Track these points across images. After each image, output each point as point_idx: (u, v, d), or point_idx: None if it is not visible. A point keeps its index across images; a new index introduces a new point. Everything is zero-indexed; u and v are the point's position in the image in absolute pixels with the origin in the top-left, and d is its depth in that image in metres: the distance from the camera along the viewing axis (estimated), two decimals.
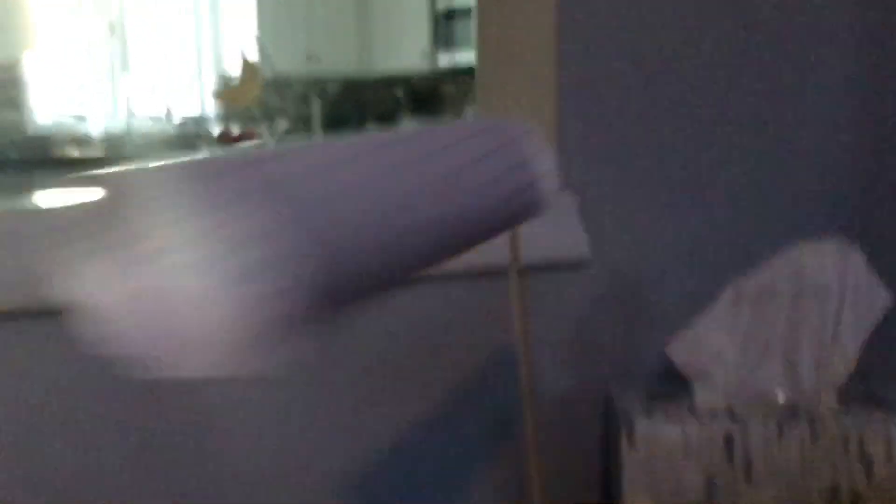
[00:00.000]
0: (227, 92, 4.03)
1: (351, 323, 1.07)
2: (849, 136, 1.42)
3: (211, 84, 5.45)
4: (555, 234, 1.19)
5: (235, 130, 4.03)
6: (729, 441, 1.06)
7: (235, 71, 4.10)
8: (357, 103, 6.25)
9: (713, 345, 1.12)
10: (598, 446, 1.27)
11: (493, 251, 1.14)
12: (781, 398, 1.12)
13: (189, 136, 4.27)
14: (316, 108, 5.85)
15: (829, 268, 1.09)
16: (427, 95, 6.05)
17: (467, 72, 5.55)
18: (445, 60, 5.49)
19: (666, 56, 1.26)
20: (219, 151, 3.97)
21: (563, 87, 1.20)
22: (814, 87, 1.38)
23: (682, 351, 1.14)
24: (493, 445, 1.18)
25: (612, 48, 1.22)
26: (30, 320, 0.93)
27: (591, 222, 1.22)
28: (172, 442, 1.01)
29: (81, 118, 5.01)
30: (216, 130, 4.05)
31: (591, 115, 1.22)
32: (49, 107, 4.91)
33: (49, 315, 0.93)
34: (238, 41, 5.21)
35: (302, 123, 5.89)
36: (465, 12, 5.26)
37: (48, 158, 4.21)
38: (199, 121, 4.32)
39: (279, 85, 5.45)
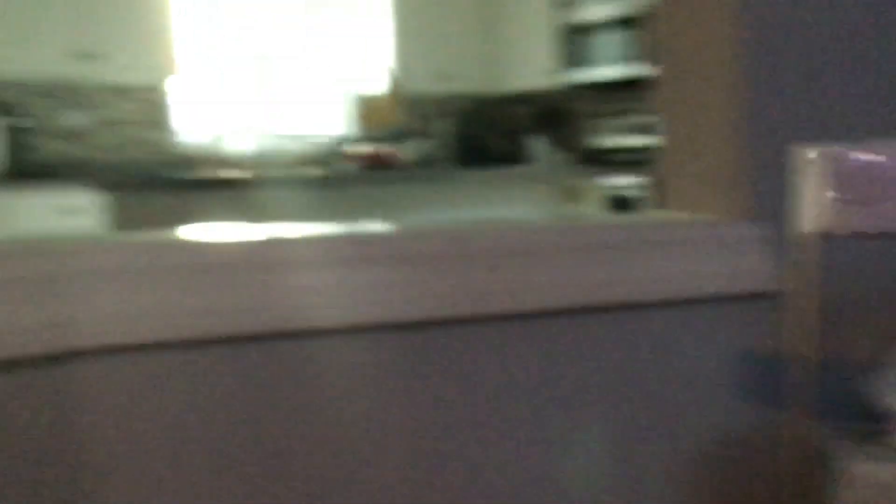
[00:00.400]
0: (366, 112, 4.12)
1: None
2: None
3: (349, 104, 5.58)
4: (737, 265, 1.16)
5: (373, 149, 4.11)
6: None
7: (373, 91, 4.18)
8: (490, 121, 6.29)
9: None
10: (795, 482, 1.22)
11: (669, 282, 1.12)
12: None
13: (328, 155, 4.39)
14: (451, 127, 5.91)
15: None
16: (557, 112, 6.03)
17: (595, 88, 5.51)
18: (574, 77, 5.46)
19: (856, 54, 1.21)
20: (358, 171, 4.03)
21: (748, 91, 1.16)
22: None
23: (877, 388, 1.09)
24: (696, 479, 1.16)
25: (794, 50, 1.18)
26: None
27: (778, 252, 1.19)
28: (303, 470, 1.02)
29: (224, 138, 5.21)
30: (357, 149, 4.14)
31: (780, 137, 1.19)
32: (193, 127, 5.13)
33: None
34: (374, 62, 5.32)
35: (439, 140, 5.97)
36: (597, 27, 5.22)
37: (195, 178, 4.39)
38: (340, 140, 4.42)
39: (413, 104, 5.53)
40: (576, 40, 5.49)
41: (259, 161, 5.10)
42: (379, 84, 4.01)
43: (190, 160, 5.03)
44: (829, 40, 1.19)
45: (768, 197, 1.19)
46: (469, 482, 1.06)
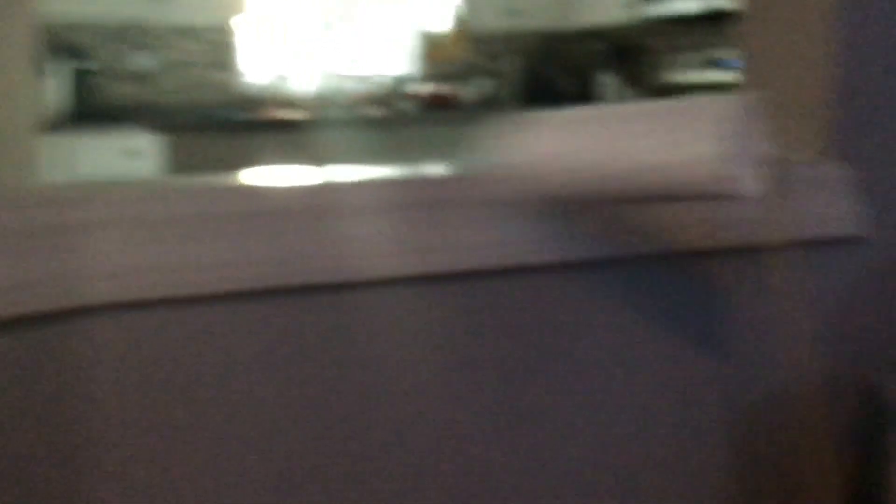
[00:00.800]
0: (430, 50, 3.99)
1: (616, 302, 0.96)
2: None
3: (414, 42, 5.45)
4: (825, 208, 1.03)
5: (436, 88, 3.99)
6: None
7: (439, 28, 4.05)
8: (558, 58, 6.09)
9: None
10: (856, 440, 1.10)
11: (751, 226, 1.00)
12: None
13: (390, 95, 4.28)
14: (517, 65, 5.74)
15: None
16: (630, 48, 5.81)
17: (668, 21, 5.27)
18: (650, 10, 5.23)
19: None
20: (419, 111, 3.94)
21: (841, 41, 1.03)
22: None
23: None
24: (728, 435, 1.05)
25: None
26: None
27: (870, 196, 1.05)
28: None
29: (287, 78, 5.14)
30: (419, 89, 4.02)
31: (872, 75, 1.04)
32: (256, 68, 5.07)
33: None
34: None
35: (503, 80, 5.80)
36: None
37: (256, 120, 4.33)
38: (402, 79, 4.31)
39: (481, 42, 5.37)
40: None
41: (321, 101, 5.02)
42: (444, 21, 3.87)
43: (253, 101, 4.98)
44: None
45: (861, 137, 1.06)
46: (522, 435, 0.98)
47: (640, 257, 0.99)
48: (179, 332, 0.86)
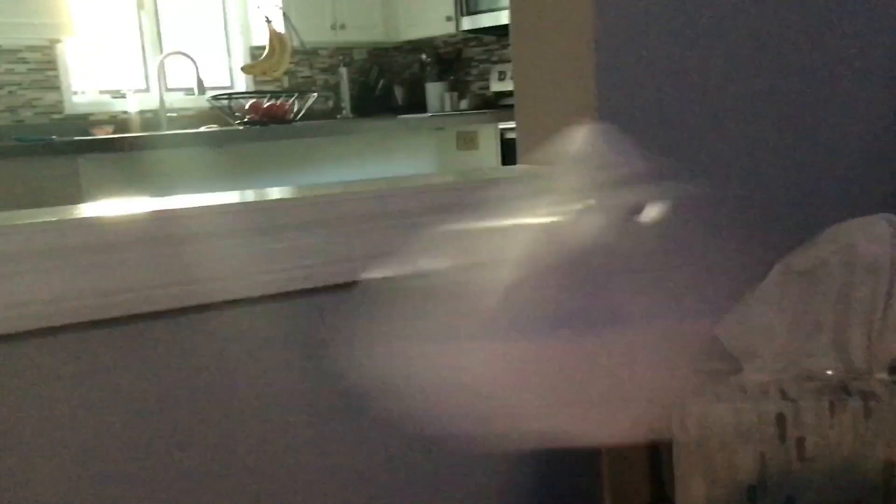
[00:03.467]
0: (256, 65, 4.03)
1: None
2: (890, 110, 1.39)
3: (240, 57, 5.45)
4: None
5: (265, 103, 4.03)
6: (781, 420, 1.06)
7: (263, 43, 4.09)
8: (388, 70, 6.22)
9: (762, 322, 1.11)
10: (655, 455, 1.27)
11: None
12: (833, 374, 1.12)
13: (224, 111, 4.29)
14: (343, 77, 5.84)
15: (880, 242, 1.07)
16: (452, 59, 6.01)
17: (490, 32, 5.50)
18: (468, 23, 5.44)
19: (710, 32, 1.24)
20: (251, 126, 3.94)
21: (600, 49, 1.18)
22: (863, 66, 1.36)
23: (729, 329, 1.13)
24: None
25: (650, 17, 1.20)
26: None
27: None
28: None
29: (118, 95, 5.04)
30: (250, 105, 4.06)
31: (630, 82, 1.20)
32: (86, 86, 4.95)
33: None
34: (265, 12, 5.20)
35: (331, 92, 5.88)
36: None
37: (85, 140, 4.24)
38: (231, 94, 4.33)
39: (306, 55, 5.44)
40: None
41: (152, 120, 4.95)
42: (271, 36, 3.92)
43: (82, 121, 4.86)
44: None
45: None
46: (367, 441, 1.07)
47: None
48: (24, 365, 0.90)
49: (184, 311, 0.95)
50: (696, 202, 1.26)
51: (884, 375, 1.11)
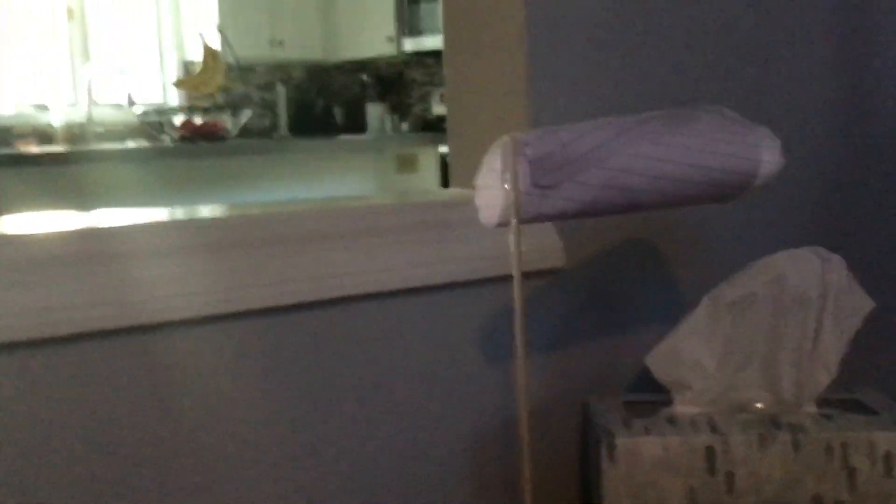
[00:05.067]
0: (188, 80, 3.95)
1: (343, 337, 1.04)
2: (828, 145, 1.40)
3: (173, 71, 5.35)
4: (532, 242, 1.16)
5: (198, 120, 3.95)
6: (710, 453, 1.04)
7: (197, 58, 4.02)
8: (327, 89, 6.18)
9: (692, 355, 1.10)
10: (576, 456, 1.25)
11: (477, 260, 1.11)
12: (762, 407, 1.11)
13: (155, 126, 4.20)
14: (281, 95, 5.77)
15: (809, 275, 1.06)
16: (393, 80, 5.99)
17: (433, 55, 5.50)
18: (410, 45, 5.44)
19: (640, 52, 1.23)
20: (183, 143, 3.86)
21: (533, 72, 1.16)
22: (792, 97, 1.36)
23: (660, 361, 1.11)
24: (474, 455, 1.16)
25: (582, 33, 1.18)
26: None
27: (566, 228, 1.19)
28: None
29: (43, 107, 4.90)
30: (182, 120, 3.97)
31: (561, 107, 1.19)
32: (9, 97, 4.80)
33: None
34: (199, 27, 5.12)
35: (267, 110, 5.81)
36: None
37: (8, 153, 4.11)
38: (162, 109, 4.24)
39: (242, 72, 5.36)
40: (413, 8, 5.46)
41: (79, 134, 4.82)
42: (205, 52, 3.85)
43: (7, 132, 4.71)
44: (611, 17, 1.20)
45: None
46: (312, 453, 1.04)
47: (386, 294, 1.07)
48: None
49: (118, 332, 0.91)
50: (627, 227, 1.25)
51: (813, 409, 1.10)
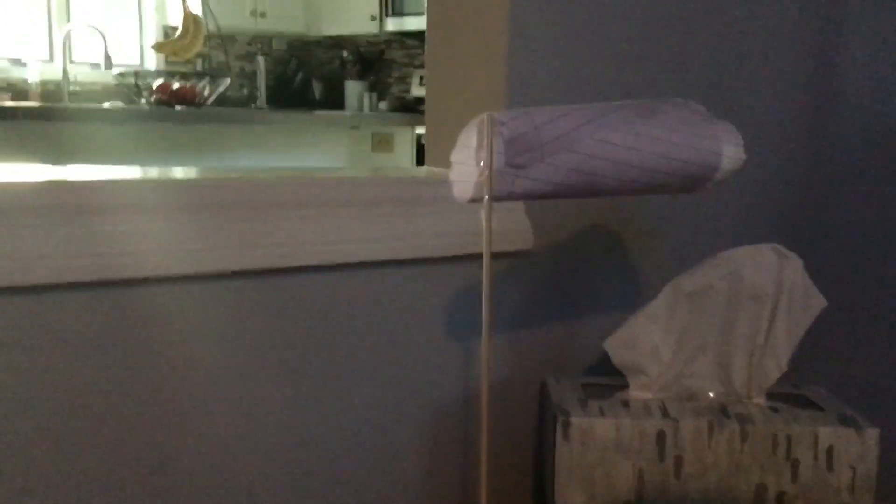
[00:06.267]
0: (167, 44, 3.92)
1: (305, 307, 1.05)
2: (791, 144, 1.44)
3: (152, 35, 5.30)
4: (502, 223, 1.18)
5: (175, 84, 3.92)
6: (661, 437, 1.07)
7: (177, 23, 3.98)
8: (307, 64, 6.15)
9: (649, 341, 1.13)
10: (533, 434, 1.28)
11: (445, 238, 1.13)
12: (714, 397, 1.14)
13: (128, 86, 4.16)
14: (260, 66, 5.74)
15: (766, 271, 1.10)
16: (374, 59, 5.98)
17: (415, 36, 5.50)
18: (392, 25, 5.43)
19: (613, 48, 1.25)
20: (159, 106, 3.83)
21: (512, 56, 1.18)
22: (756, 96, 1.39)
23: (617, 345, 1.14)
24: (434, 429, 1.18)
25: (562, 19, 1.21)
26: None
27: (535, 211, 1.22)
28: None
29: (19, 62, 4.84)
30: (159, 84, 3.94)
31: (538, 94, 1.21)
32: None
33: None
34: None
35: (246, 81, 5.78)
36: None
37: None
38: (140, 72, 4.20)
39: (223, 40, 5.32)
40: None
41: (55, 91, 4.77)
42: (185, 17, 3.82)
43: None
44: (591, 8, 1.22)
45: None
46: (274, 417, 1.06)
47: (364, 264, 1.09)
48: None
49: (89, 285, 0.92)
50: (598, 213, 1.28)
51: (762, 401, 1.13)
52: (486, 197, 0.78)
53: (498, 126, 0.80)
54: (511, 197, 0.82)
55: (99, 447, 0.95)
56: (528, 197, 0.83)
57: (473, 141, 0.81)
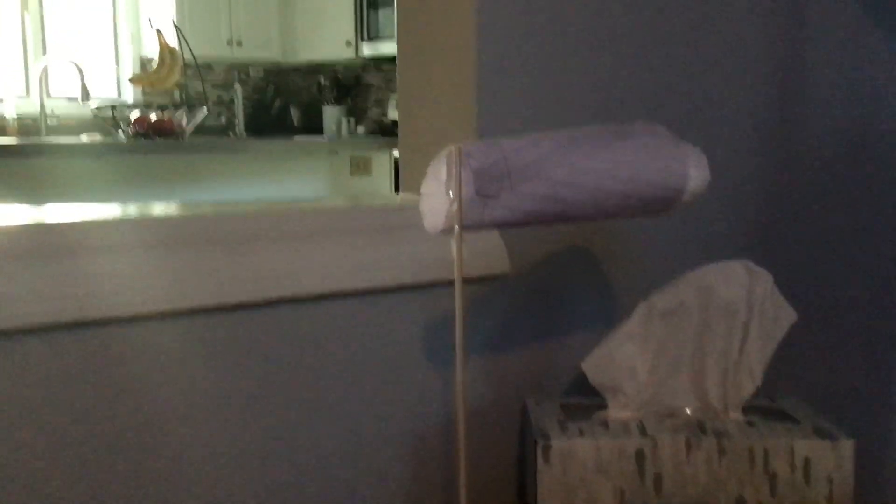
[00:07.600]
0: (144, 76, 3.93)
1: (287, 334, 1.06)
2: (759, 162, 1.46)
3: (129, 67, 5.32)
4: (477, 248, 1.20)
5: (153, 116, 3.93)
6: (640, 456, 1.09)
7: (154, 54, 4.00)
8: (285, 90, 6.17)
9: (625, 360, 1.14)
10: (514, 457, 1.28)
11: (422, 265, 1.14)
12: (690, 413, 1.15)
13: (106, 119, 4.17)
14: (238, 94, 5.75)
15: (737, 287, 1.12)
16: (350, 84, 6.01)
17: (390, 61, 5.53)
18: (368, 50, 5.46)
19: (581, 57, 1.27)
20: (137, 138, 3.83)
21: (482, 83, 1.20)
22: (720, 114, 1.42)
23: (595, 366, 1.16)
24: (416, 454, 1.19)
25: (530, 48, 1.23)
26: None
27: (510, 236, 1.23)
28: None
29: None
30: (138, 116, 3.95)
31: (508, 121, 1.23)
32: None
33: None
34: (157, 23, 5.08)
35: (224, 109, 5.79)
36: (389, 1, 5.23)
37: None
38: (117, 105, 4.21)
39: (199, 70, 5.33)
40: (372, 13, 5.48)
41: (32, 126, 4.76)
42: (161, 48, 3.84)
43: None
44: (560, 30, 1.24)
45: None
46: (258, 448, 1.07)
47: (333, 295, 1.10)
48: None
49: (67, 326, 0.93)
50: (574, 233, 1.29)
51: (738, 415, 1.15)
52: (457, 228, 0.79)
53: (466, 157, 0.81)
54: (482, 226, 0.84)
55: (79, 484, 0.95)
56: (499, 226, 0.85)
57: (442, 173, 0.83)
